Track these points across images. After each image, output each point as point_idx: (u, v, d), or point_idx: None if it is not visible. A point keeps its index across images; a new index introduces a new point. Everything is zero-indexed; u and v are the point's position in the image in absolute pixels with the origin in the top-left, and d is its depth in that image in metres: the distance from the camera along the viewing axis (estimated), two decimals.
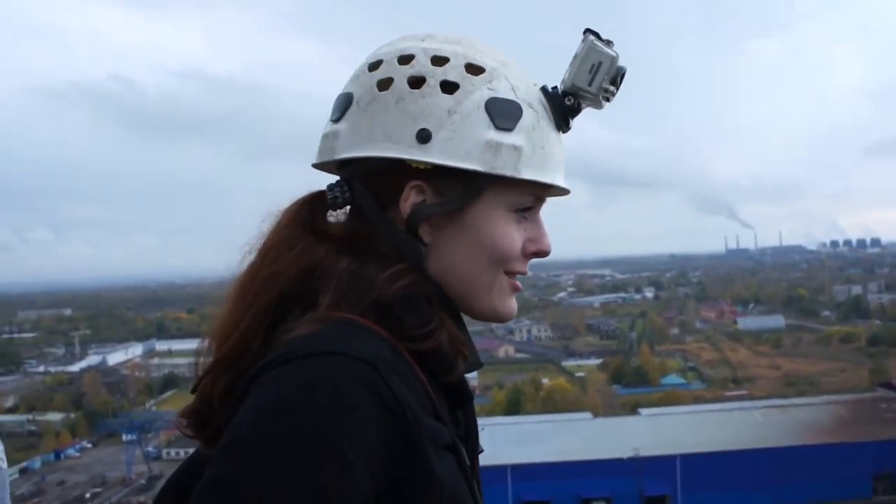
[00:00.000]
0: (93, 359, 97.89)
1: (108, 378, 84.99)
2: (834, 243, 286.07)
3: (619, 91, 1.12)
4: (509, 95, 1.06)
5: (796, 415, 37.82)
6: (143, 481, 54.16)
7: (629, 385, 76.86)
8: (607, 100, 1.12)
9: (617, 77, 1.10)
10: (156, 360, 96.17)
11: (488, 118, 1.04)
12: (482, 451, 1.19)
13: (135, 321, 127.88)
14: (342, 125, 1.10)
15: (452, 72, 1.05)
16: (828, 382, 74.09)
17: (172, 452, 56.77)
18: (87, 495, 52.81)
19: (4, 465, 2.04)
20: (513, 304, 1.14)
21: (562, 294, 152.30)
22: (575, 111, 1.12)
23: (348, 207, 1.13)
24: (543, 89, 1.11)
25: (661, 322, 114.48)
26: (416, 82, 1.05)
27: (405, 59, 1.07)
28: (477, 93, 1.05)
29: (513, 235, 1.09)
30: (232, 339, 1.03)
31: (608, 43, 1.10)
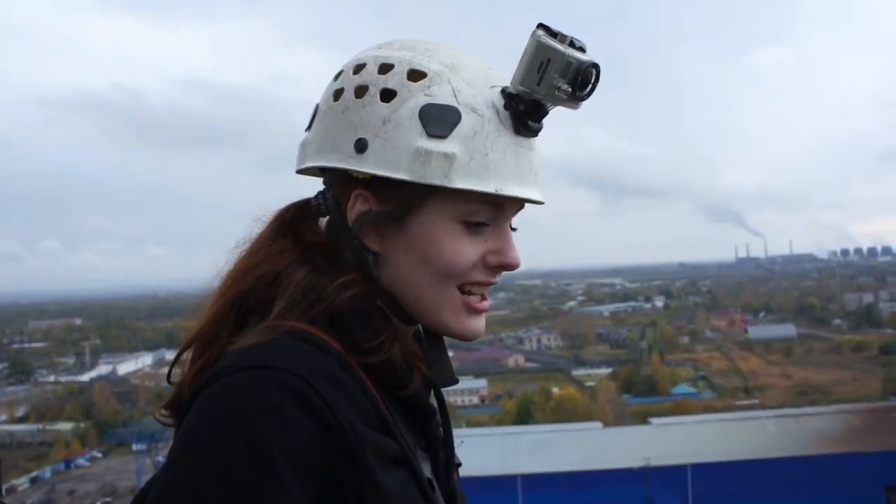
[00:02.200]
0: (103, 368, 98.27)
1: (118, 387, 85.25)
2: (844, 252, 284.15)
3: (585, 90, 1.02)
4: (448, 101, 1.02)
5: (808, 424, 37.61)
6: None
7: (639, 394, 76.74)
8: (578, 99, 1.03)
9: (577, 75, 1.00)
10: (166, 370, 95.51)
11: (421, 125, 1.00)
12: (460, 464, 1.18)
13: (145, 331, 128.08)
14: (309, 134, 1.12)
15: (393, 79, 1.03)
16: (840, 391, 73.82)
17: None
18: None
19: None
20: (471, 324, 1.09)
21: (571, 303, 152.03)
22: (533, 114, 1.04)
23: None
24: (502, 91, 1.05)
25: (671, 331, 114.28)
26: (361, 91, 1.05)
27: (358, 69, 1.06)
28: (413, 100, 1.02)
29: (458, 248, 1.04)
30: (201, 323, 1.07)
31: (561, 38, 1.01)
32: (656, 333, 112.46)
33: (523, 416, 61.73)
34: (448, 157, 1.00)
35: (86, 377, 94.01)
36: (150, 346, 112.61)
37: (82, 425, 72.55)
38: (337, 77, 1.10)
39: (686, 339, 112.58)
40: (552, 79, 1.00)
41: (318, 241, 1.11)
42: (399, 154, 1.01)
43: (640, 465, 32.04)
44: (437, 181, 1.00)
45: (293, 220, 1.13)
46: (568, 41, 1.01)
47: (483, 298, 1.10)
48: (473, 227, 1.05)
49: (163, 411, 1.09)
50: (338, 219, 1.09)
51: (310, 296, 1.01)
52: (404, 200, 1.03)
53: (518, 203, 1.09)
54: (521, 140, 1.05)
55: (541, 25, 1.02)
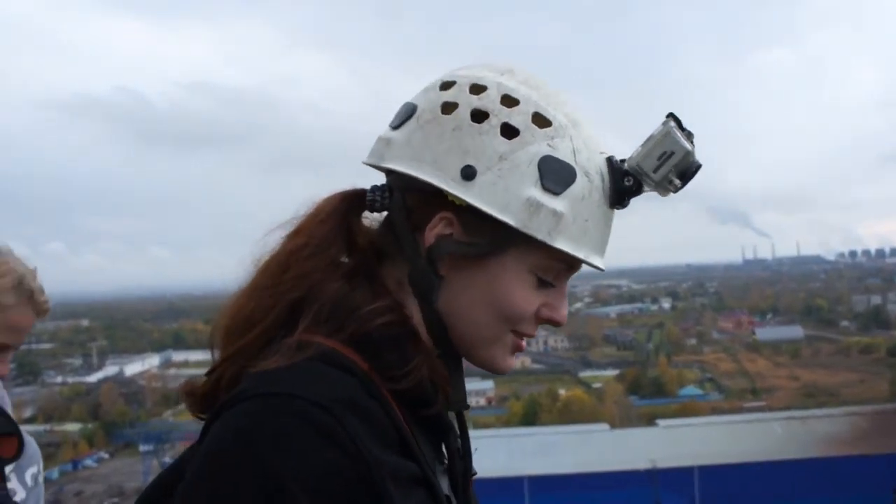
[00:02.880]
0: (110, 369, 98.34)
1: (125, 388, 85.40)
2: (852, 253, 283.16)
3: (686, 185, 1.06)
4: (567, 158, 1.01)
5: (816, 426, 37.45)
6: None
7: (646, 396, 76.52)
8: (672, 190, 1.06)
9: (687, 171, 1.05)
10: (173, 371, 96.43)
11: (538, 175, 0.99)
12: (475, 473, 1.18)
13: (151, 332, 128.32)
14: (398, 134, 1.07)
15: (518, 117, 1.01)
16: (847, 393, 73.48)
17: None
18: None
19: (41, 478, 2.06)
20: (512, 362, 1.11)
21: (578, 304, 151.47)
22: (634, 192, 1.07)
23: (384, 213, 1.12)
24: (609, 160, 1.07)
25: (678, 332, 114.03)
26: (479, 116, 1.02)
27: (477, 89, 1.04)
28: (535, 146, 1.00)
29: (528, 298, 1.05)
30: (253, 333, 1.02)
31: (688, 134, 1.05)
32: (663, 335, 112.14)
33: (530, 417, 61.67)
34: (556, 215, 1.00)
35: (93, 378, 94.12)
36: (157, 348, 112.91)
37: (89, 426, 72.65)
38: (446, 87, 1.06)
39: (693, 341, 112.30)
40: (669, 170, 1.04)
41: (367, 243, 1.10)
42: (509, 196, 0.99)
43: (647, 466, 31.95)
44: (540, 235, 0.99)
45: (347, 214, 1.10)
46: (692, 138, 1.05)
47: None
48: (542, 282, 1.05)
49: (189, 397, 1.07)
50: (404, 230, 1.06)
51: (339, 314, 0.99)
52: (495, 241, 1.01)
53: (580, 265, 1.09)
54: (610, 211, 1.07)
55: (672, 116, 1.05)
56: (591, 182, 1.03)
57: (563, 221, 1.00)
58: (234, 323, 1.05)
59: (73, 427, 72.58)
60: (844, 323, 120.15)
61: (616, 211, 1.10)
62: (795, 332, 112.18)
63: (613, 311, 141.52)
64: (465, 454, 1.14)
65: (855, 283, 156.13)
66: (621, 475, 32.30)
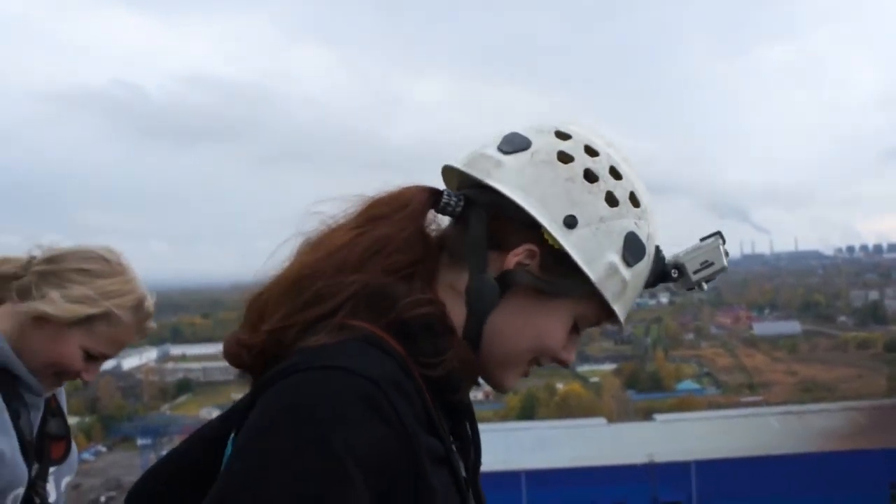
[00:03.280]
0: (107, 363, 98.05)
1: (123, 382, 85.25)
2: (850, 248, 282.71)
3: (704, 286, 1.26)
4: (644, 239, 1.16)
5: (813, 421, 37.52)
6: None
7: (644, 391, 76.68)
8: (695, 290, 1.26)
9: (712, 279, 1.25)
10: (170, 365, 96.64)
11: (622, 246, 1.13)
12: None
13: None
14: (510, 160, 1.15)
15: (620, 190, 1.15)
16: (845, 389, 73.66)
17: None
18: (103, 499, 52.99)
19: (67, 489, 2.05)
20: (516, 383, 1.22)
21: None
22: (666, 280, 1.25)
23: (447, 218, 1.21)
24: (657, 250, 1.22)
25: (676, 327, 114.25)
26: (591, 177, 1.14)
27: (591, 152, 1.16)
28: (626, 220, 1.14)
29: (562, 339, 1.16)
30: (325, 306, 1.07)
31: (727, 253, 1.25)
32: (661, 330, 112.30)
33: (527, 411, 61.81)
34: (624, 283, 1.15)
35: None
36: (155, 342, 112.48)
37: (87, 420, 72.60)
38: (563, 137, 1.17)
39: (691, 336, 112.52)
40: (704, 276, 1.24)
41: (435, 244, 1.19)
42: (596, 254, 1.12)
43: (644, 461, 31.99)
44: (607, 296, 1.13)
45: (427, 212, 1.19)
46: (728, 256, 1.25)
47: None
48: (574, 328, 1.19)
49: (238, 348, 1.10)
50: (482, 244, 1.15)
51: (382, 301, 1.06)
52: (567, 285, 1.13)
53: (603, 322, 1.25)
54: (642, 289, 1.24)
55: (720, 234, 1.26)
56: (648, 264, 1.19)
57: (625, 290, 1.16)
58: (298, 296, 1.09)
59: (70, 420, 72.06)
60: (842, 318, 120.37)
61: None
62: (793, 327, 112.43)
63: None
64: (476, 443, 1.24)
65: (853, 279, 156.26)
66: (619, 469, 32.33)
